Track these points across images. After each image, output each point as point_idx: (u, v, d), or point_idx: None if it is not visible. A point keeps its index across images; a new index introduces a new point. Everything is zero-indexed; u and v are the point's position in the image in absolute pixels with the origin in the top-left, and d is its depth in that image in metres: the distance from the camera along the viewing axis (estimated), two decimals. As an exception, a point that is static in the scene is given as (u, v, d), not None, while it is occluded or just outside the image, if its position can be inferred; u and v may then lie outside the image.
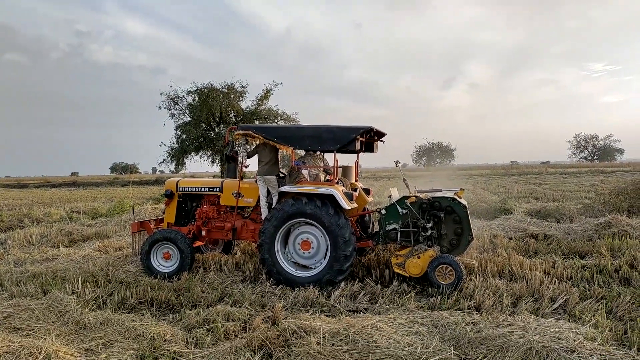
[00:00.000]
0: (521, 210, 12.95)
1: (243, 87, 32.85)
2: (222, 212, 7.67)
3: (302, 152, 7.83)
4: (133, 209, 9.65)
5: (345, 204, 6.46)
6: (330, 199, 6.56)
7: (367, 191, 7.94)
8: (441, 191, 7.05)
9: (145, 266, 7.15)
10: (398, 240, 6.73)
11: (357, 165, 8.08)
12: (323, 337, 4.38)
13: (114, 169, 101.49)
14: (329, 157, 7.72)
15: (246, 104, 33.12)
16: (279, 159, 7.46)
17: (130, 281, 6.77)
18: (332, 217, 6.43)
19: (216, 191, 7.61)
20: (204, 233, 7.57)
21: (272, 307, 5.41)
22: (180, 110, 32.91)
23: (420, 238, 6.63)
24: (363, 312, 5.45)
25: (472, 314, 5.15)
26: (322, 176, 7.33)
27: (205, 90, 31.66)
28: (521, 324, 4.50)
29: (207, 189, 7.68)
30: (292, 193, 6.72)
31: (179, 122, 32.72)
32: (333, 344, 4.31)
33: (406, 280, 6.53)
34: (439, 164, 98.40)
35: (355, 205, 7.06)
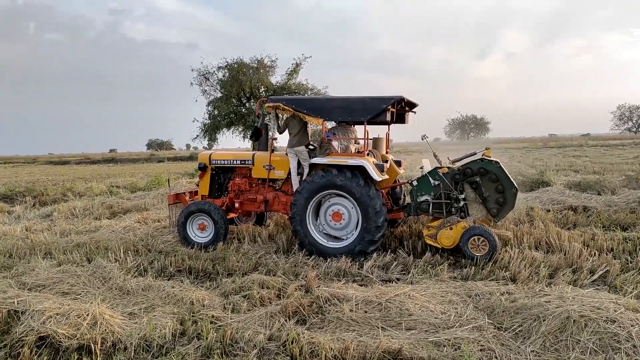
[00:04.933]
0: (560, 182, 12.54)
1: (272, 61, 32.69)
2: (254, 185, 7.77)
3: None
4: (169, 182, 9.94)
5: (376, 175, 6.42)
6: (361, 171, 6.53)
7: (398, 163, 7.87)
8: (475, 154, 6.88)
9: (182, 237, 7.38)
10: (430, 211, 6.65)
11: (388, 137, 7.99)
12: (356, 305, 4.44)
13: (150, 145, 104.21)
14: (359, 128, 7.66)
15: (276, 78, 33.01)
16: (310, 133, 7.44)
17: (168, 250, 7.02)
18: (362, 188, 6.40)
19: (248, 164, 7.69)
20: (236, 205, 7.69)
21: (306, 276, 5.50)
22: (212, 86, 33.16)
23: (453, 209, 6.53)
24: (395, 282, 5.48)
25: (507, 284, 5.09)
26: (352, 148, 7.30)
27: (235, 65, 31.69)
28: (558, 294, 4.42)
29: (239, 162, 7.77)
30: (323, 165, 6.73)
31: (210, 98, 33.04)
32: (366, 311, 4.36)
33: (439, 251, 6.49)
34: (473, 137, 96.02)
35: (387, 176, 7.01)
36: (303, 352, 3.67)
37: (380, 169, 6.63)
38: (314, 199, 6.71)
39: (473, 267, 5.73)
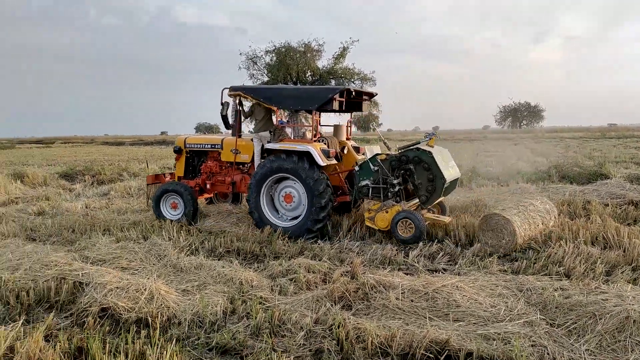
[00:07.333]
0: (619, 175, 11.86)
1: (320, 45, 32.61)
2: (223, 167, 8.32)
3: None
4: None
5: (320, 160, 6.83)
6: (308, 156, 6.89)
7: (357, 149, 8.28)
8: (419, 142, 7.08)
9: (157, 214, 7.98)
10: (369, 195, 7.02)
11: (349, 124, 8.59)
12: (402, 293, 4.43)
13: (198, 128, 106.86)
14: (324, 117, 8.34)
15: (322, 62, 32.93)
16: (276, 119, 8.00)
17: (217, 232, 7.27)
18: (307, 172, 6.83)
19: (217, 148, 8.25)
20: (208, 186, 8.31)
21: (351, 262, 5.54)
22: (259, 70, 33.57)
23: (389, 194, 6.83)
24: (442, 272, 5.41)
25: (561, 279, 4.91)
26: (309, 134, 7.73)
27: (283, 49, 31.85)
28: (616, 292, 4.23)
29: (209, 146, 8.35)
30: (275, 150, 7.20)
31: (257, 82, 33.46)
32: (412, 300, 4.35)
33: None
34: (525, 125, 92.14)
35: (334, 161, 7.41)
36: (349, 336, 3.71)
37: (326, 154, 7.00)
38: (266, 182, 7.19)
39: (525, 261, 5.57)
